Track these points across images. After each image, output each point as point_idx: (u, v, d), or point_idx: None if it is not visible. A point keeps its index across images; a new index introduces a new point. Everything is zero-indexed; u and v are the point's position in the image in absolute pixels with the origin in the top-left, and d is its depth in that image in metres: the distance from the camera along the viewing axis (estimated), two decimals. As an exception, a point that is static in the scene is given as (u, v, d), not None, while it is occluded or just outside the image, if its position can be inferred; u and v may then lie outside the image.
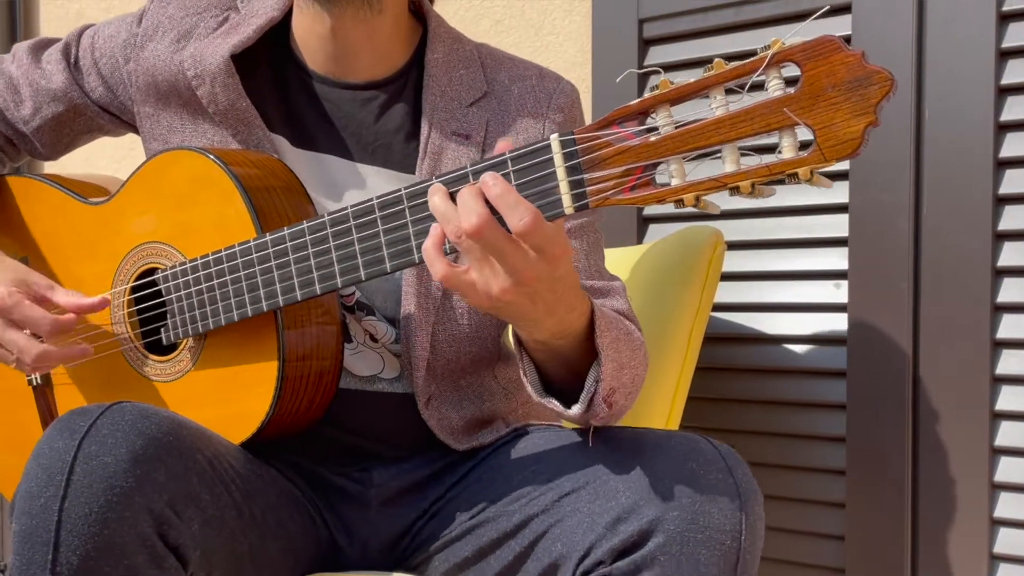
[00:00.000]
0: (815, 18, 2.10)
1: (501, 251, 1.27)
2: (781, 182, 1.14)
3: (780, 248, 2.24)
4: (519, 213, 1.24)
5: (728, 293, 2.27)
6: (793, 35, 1.12)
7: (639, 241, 2.38)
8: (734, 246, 2.26)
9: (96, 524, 1.30)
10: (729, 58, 2.23)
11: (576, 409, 1.44)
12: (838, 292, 2.16)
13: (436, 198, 1.31)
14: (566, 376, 1.48)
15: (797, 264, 2.22)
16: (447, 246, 1.32)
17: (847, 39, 2.10)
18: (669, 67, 2.35)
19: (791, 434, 2.22)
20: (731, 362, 2.29)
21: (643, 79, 2.37)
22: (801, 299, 2.21)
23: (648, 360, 1.61)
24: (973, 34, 1.99)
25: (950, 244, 2.02)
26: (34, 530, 1.31)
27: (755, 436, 2.25)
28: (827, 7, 2.10)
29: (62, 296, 1.68)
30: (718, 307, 2.27)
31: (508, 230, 1.26)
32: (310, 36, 1.71)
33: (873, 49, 2.06)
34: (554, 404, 1.46)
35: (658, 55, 2.37)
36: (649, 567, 1.33)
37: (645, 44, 2.39)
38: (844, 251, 2.14)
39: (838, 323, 2.16)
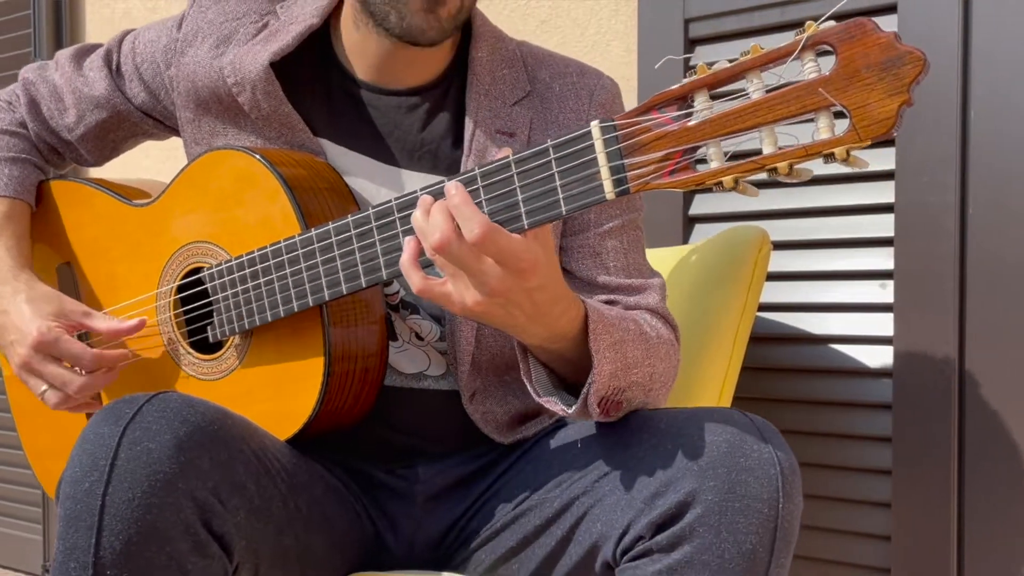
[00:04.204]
0: (859, 15, 2.10)
1: (466, 265, 1.31)
2: (819, 161, 1.15)
3: (826, 248, 2.23)
4: (470, 225, 1.29)
5: (774, 293, 2.27)
6: (827, 16, 1.13)
7: (684, 241, 2.38)
8: (780, 246, 2.25)
9: (139, 509, 1.31)
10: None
11: (573, 409, 1.46)
12: (884, 292, 2.15)
13: (417, 212, 1.36)
14: (575, 375, 1.50)
15: (843, 264, 2.21)
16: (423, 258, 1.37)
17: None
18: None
19: (837, 434, 2.21)
20: (777, 362, 2.28)
21: (687, 71, 2.37)
22: (847, 299, 2.20)
23: (676, 354, 1.62)
24: (1020, 33, 1.98)
25: (996, 243, 2.01)
26: (78, 514, 1.32)
27: (801, 436, 2.24)
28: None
29: (100, 322, 1.71)
30: (764, 307, 2.26)
31: None
32: (360, 49, 1.71)
33: (919, 47, 2.04)
34: (552, 404, 1.48)
35: (704, 55, 2.37)
36: (688, 538, 1.33)
37: (691, 44, 2.39)
38: (890, 251, 2.13)
39: (884, 323, 2.15)
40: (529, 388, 1.49)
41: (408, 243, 1.37)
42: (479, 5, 1.76)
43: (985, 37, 2.01)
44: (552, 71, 1.75)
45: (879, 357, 2.16)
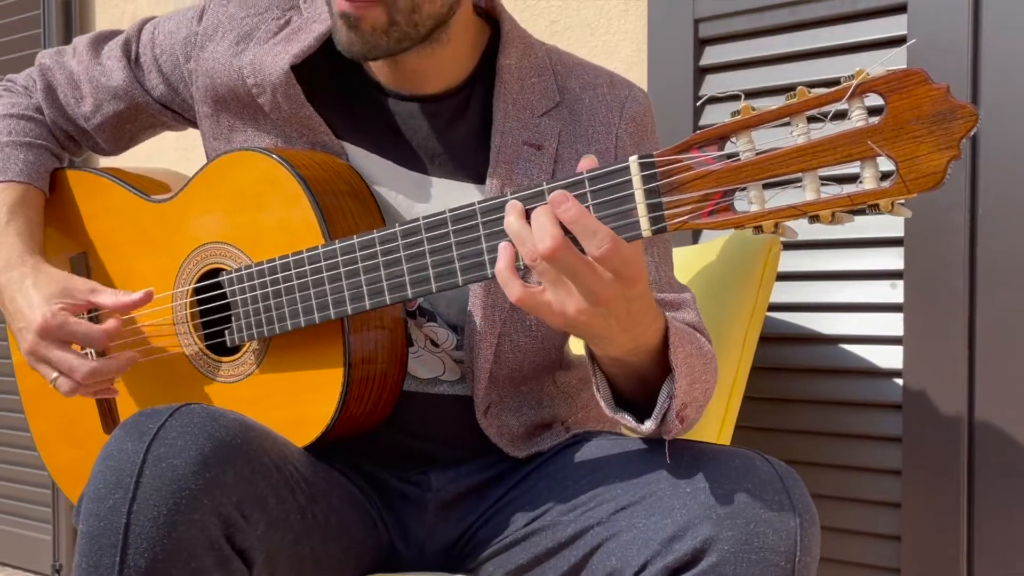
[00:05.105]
0: (870, 15, 2.10)
1: (576, 272, 1.26)
2: (862, 212, 1.13)
3: (835, 248, 2.24)
4: (598, 241, 1.24)
5: (783, 293, 2.27)
6: (878, 64, 1.11)
7: (694, 241, 2.38)
8: (789, 246, 2.25)
9: (164, 527, 1.30)
10: (786, 58, 2.23)
11: (649, 425, 1.43)
12: (894, 292, 2.15)
13: (511, 217, 1.31)
14: (637, 390, 1.47)
15: (852, 264, 2.21)
16: (519, 263, 1.31)
17: (902, 39, 2.10)
18: (725, 67, 2.36)
19: (847, 434, 2.22)
20: (787, 362, 2.29)
21: (699, 80, 2.38)
22: (857, 299, 2.21)
23: (718, 371, 1.59)
24: (1030, 33, 1.99)
25: (1007, 243, 2.02)
26: (102, 532, 1.31)
27: (810, 436, 2.25)
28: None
29: (106, 298, 1.68)
30: (774, 307, 2.27)
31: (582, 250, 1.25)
32: None
33: (928, 48, 2.05)
34: (627, 419, 1.45)
35: (714, 55, 2.37)
36: None
37: (701, 44, 2.39)
38: (899, 251, 2.14)
39: (894, 323, 2.16)
40: (601, 404, 1.46)
41: (504, 249, 1.32)
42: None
43: (995, 36, 2.02)
44: (583, 81, 1.72)
45: (889, 357, 2.17)
